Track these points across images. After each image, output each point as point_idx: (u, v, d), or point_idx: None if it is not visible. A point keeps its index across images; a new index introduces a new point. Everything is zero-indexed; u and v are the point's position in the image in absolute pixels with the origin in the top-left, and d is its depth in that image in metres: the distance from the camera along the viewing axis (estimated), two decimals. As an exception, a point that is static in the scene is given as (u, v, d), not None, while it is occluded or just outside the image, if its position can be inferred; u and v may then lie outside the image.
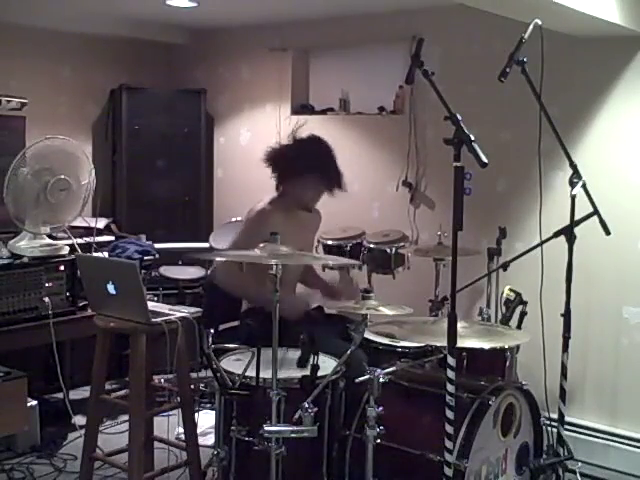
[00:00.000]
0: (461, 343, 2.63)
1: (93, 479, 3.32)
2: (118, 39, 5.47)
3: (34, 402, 3.91)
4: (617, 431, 4.06)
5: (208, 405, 4.24)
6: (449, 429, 2.57)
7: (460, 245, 2.50)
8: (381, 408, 2.84)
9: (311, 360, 2.79)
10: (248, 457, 2.89)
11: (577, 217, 3.06)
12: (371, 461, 2.85)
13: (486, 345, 3.01)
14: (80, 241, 4.01)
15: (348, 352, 2.80)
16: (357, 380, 2.89)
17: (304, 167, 3.51)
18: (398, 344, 3.44)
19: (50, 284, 3.65)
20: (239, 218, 4.91)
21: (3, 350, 3.40)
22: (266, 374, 2.78)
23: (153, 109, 5.43)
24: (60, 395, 4.08)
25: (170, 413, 3.35)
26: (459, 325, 2.58)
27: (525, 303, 3.54)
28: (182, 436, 3.34)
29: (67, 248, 3.78)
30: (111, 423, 4.21)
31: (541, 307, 3.15)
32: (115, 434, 4.03)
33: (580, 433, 4.11)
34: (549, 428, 3.33)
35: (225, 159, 5.72)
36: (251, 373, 2.82)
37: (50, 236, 3.82)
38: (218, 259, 3.51)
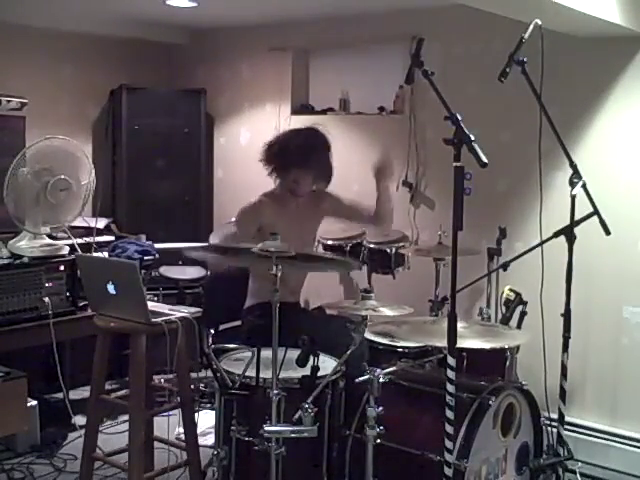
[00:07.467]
0: (461, 343, 2.63)
1: (93, 479, 3.32)
2: (118, 39, 5.47)
3: (34, 402, 3.91)
4: (617, 431, 4.05)
5: (208, 405, 4.23)
6: (449, 429, 2.57)
7: (460, 245, 2.50)
8: (381, 408, 2.84)
9: (311, 361, 2.79)
10: (248, 457, 2.89)
11: (577, 217, 3.06)
12: (371, 461, 2.85)
13: (486, 345, 3.01)
14: (80, 241, 3.99)
15: (348, 352, 2.80)
16: (357, 380, 2.90)
17: (296, 156, 3.57)
18: (398, 344, 3.44)
19: (50, 284, 3.64)
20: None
21: (3, 350, 3.40)
22: (266, 374, 2.78)
23: (153, 109, 5.42)
24: (60, 395, 4.08)
25: (170, 413, 3.35)
26: (459, 325, 2.58)
27: (525, 303, 3.54)
28: (182, 436, 3.34)
29: (67, 248, 3.78)
30: (111, 423, 4.21)
31: (541, 307, 3.15)
32: (115, 434, 4.02)
33: (580, 433, 4.11)
34: (549, 428, 3.33)
35: (225, 159, 5.71)
36: (251, 373, 2.82)
37: (50, 236, 3.81)
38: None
